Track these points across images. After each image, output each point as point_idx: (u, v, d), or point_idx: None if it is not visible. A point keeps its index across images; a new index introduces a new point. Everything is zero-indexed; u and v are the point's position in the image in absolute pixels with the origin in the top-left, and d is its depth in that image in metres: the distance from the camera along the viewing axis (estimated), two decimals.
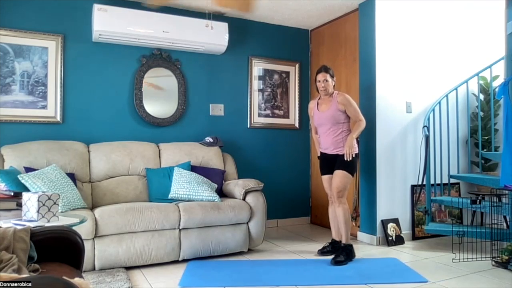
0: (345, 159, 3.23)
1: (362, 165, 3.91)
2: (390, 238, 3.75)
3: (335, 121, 3.33)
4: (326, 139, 3.41)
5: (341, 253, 3.24)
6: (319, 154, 3.56)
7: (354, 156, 3.28)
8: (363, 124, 3.31)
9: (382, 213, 3.81)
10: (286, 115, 4.76)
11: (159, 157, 3.77)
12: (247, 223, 3.45)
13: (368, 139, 3.85)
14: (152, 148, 3.78)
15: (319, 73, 3.40)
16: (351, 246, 3.31)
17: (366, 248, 3.65)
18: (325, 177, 3.47)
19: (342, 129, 3.34)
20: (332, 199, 3.40)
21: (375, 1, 3.82)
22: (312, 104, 3.58)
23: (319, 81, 3.37)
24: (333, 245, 3.48)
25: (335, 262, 3.17)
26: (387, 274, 2.94)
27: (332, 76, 3.38)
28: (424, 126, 3.80)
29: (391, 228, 3.79)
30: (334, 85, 3.41)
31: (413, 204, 3.97)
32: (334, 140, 3.35)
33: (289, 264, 3.19)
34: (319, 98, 3.52)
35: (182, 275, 2.89)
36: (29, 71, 3.55)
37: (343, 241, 3.32)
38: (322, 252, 3.45)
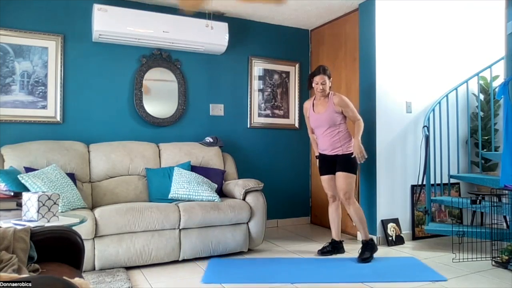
0: (358, 162, 3.29)
1: (362, 165, 3.90)
2: (390, 238, 3.75)
3: (332, 122, 3.32)
4: (323, 141, 3.41)
5: (366, 250, 3.27)
6: (317, 154, 3.56)
7: (354, 155, 3.29)
8: (362, 123, 3.32)
9: (382, 213, 3.82)
10: (286, 115, 4.76)
11: (159, 157, 3.77)
12: (247, 223, 3.45)
13: (368, 139, 3.85)
14: (152, 148, 3.78)
15: (316, 75, 3.33)
16: (372, 240, 3.35)
17: None
18: (324, 178, 3.47)
19: (339, 130, 3.34)
20: (342, 202, 3.41)
21: (375, 1, 3.82)
22: (307, 105, 3.55)
23: (317, 83, 3.32)
24: (333, 245, 3.49)
25: (362, 260, 3.20)
26: (401, 273, 2.93)
27: (329, 77, 3.35)
28: (424, 126, 3.80)
29: (391, 228, 3.79)
30: (330, 86, 3.39)
31: (413, 204, 3.97)
32: (332, 141, 3.35)
33: (294, 262, 3.18)
34: (314, 99, 3.50)
35: (204, 273, 2.93)
36: (29, 71, 3.55)
37: (363, 238, 3.35)
38: (322, 252, 3.45)
